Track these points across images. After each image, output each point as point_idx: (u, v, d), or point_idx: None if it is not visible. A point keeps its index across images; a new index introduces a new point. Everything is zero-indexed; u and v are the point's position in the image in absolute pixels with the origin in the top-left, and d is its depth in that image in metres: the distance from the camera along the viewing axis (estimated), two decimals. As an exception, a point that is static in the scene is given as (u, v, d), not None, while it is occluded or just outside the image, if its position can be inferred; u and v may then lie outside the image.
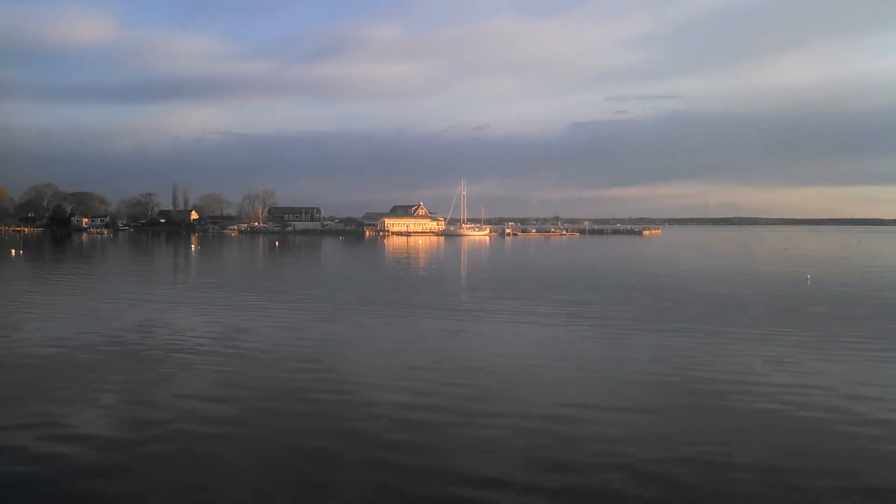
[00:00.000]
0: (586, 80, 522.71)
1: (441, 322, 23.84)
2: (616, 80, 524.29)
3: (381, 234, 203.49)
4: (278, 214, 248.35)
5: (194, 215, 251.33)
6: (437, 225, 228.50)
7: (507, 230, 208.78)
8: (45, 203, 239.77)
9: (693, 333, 21.81)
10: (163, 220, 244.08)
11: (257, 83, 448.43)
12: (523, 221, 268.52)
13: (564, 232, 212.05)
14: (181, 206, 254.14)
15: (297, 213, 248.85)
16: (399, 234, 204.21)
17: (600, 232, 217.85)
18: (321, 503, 8.86)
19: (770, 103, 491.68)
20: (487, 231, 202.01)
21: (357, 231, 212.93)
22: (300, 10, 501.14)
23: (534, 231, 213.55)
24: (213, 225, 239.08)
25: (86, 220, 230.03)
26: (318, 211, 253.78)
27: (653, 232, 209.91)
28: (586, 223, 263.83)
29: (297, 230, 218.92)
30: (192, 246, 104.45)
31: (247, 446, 10.74)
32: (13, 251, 78.92)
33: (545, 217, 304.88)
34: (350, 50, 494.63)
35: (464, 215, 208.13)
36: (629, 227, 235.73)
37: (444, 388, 14.40)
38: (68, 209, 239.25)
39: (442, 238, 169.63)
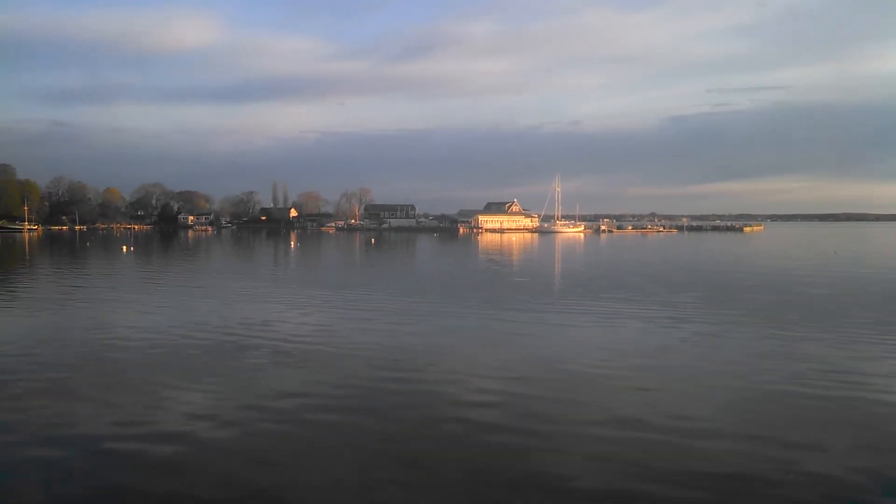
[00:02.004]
0: (685, 72, 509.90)
1: (534, 319, 23.47)
2: (716, 71, 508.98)
3: (474, 230, 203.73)
4: (374, 212, 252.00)
5: (293, 213, 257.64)
6: (531, 222, 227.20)
7: (602, 227, 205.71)
8: (153, 201, 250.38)
9: (824, 337, 20.68)
10: (263, 218, 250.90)
11: (353, 82, 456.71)
12: (619, 218, 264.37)
13: (661, 229, 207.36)
14: (281, 204, 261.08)
15: (392, 210, 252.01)
16: (493, 230, 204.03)
17: (698, 229, 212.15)
18: (416, 499, 8.79)
19: (877, 92, 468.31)
20: (582, 228, 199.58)
21: (451, 228, 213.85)
22: (395, 8, 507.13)
23: (630, 228, 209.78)
24: (312, 222, 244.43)
25: (191, 217, 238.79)
26: (413, 208, 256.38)
27: (754, 229, 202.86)
28: (684, 220, 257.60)
29: (393, 227, 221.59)
30: (292, 243, 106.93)
31: (341, 441, 10.71)
32: (124, 248, 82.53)
33: (641, 213, 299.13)
34: (443, 47, 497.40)
35: (558, 212, 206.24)
36: (729, 224, 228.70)
37: (536, 387, 14.07)
38: (175, 207, 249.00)
39: (536, 235, 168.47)
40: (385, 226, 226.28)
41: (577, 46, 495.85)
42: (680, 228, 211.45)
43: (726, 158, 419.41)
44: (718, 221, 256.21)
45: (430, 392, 13.79)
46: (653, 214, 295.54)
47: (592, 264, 58.12)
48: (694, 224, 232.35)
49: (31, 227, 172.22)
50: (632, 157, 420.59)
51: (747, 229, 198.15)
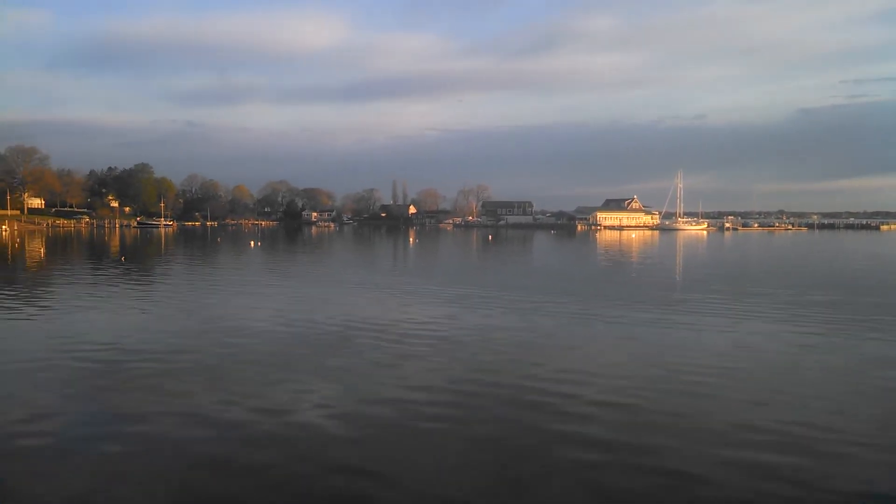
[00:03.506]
0: (817, 62, 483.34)
1: (655, 319, 22.85)
2: (852, 60, 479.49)
3: (592, 228, 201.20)
4: (491, 208, 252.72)
5: (412, 209, 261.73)
6: (652, 219, 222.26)
7: (727, 224, 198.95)
8: (279, 198, 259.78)
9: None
10: (383, 214, 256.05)
11: (473, 79, 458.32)
12: (744, 215, 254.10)
13: (790, 226, 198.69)
14: (400, 201, 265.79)
15: (509, 207, 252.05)
16: (611, 228, 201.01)
17: (830, 226, 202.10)
18: (523, 497, 8.83)
19: None
20: (705, 225, 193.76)
21: (569, 225, 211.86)
22: (516, 4, 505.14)
23: (755, 225, 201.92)
24: (430, 219, 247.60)
25: (315, 214, 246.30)
26: (531, 205, 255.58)
27: (892, 227, 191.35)
28: (815, 217, 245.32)
29: (510, 224, 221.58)
30: (411, 239, 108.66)
31: (454, 434, 10.79)
32: (252, 243, 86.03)
33: (768, 211, 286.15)
34: (564, 42, 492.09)
35: (680, 209, 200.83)
36: (864, 222, 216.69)
37: (652, 391, 13.71)
38: (300, 204, 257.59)
39: (656, 232, 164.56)
40: (502, 222, 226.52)
41: (701, 39, 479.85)
42: (810, 226, 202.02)
43: (861, 152, 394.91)
44: (852, 219, 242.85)
45: (542, 392, 13.67)
46: (781, 212, 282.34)
47: (716, 263, 56.29)
48: (826, 222, 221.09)
49: (167, 222, 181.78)
50: (758, 152, 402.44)
51: (885, 227, 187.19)
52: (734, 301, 28.29)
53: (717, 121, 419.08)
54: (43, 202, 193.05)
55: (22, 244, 79.47)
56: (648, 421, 11.93)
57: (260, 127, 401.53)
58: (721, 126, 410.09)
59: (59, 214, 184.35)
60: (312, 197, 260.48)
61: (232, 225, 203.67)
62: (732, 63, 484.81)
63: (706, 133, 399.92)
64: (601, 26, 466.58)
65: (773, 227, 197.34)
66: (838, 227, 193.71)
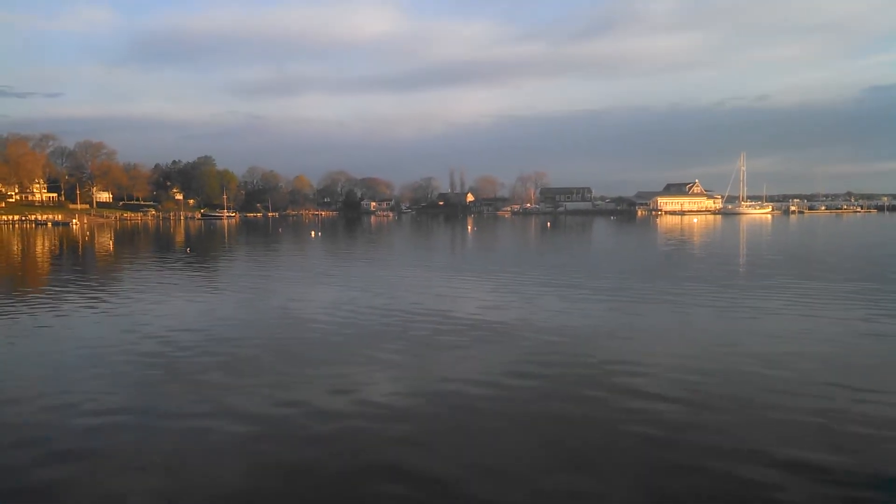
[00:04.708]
0: (888, 38, 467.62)
1: (721, 308, 22.37)
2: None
3: (653, 213, 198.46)
4: (549, 195, 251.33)
5: (470, 197, 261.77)
6: (714, 203, 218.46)
7: (792, 207, 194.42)
8: (338, 188, 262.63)
9: None
10: (441, 203, 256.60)
11: (530, 65, 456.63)
12: (810, 198, 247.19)
13: (858, 209, 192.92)
14: (458, 189, 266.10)
15: (568, 193, 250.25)
16: (672, 213, 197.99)
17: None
18: (587, 487, 8.61)
19: None
20: (769, 209, 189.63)
21: (629, 210, 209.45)
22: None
23: (822, 208, 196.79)
24: (487, 206, 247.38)
25: (373, 203, 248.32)
26: (589, 191, 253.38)
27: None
28: (885, 199, 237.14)
29: (568, 210, 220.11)
30: (469, 227, 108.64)
31: (513, 424, 10.72)
32: (313, 233, 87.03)
33: (835, 193, 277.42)
34: (622, 25, 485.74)
35: (743, 192, 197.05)
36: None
37: (718, 380, 13.33)
38: (358, 194, 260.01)
39: (718, 217, 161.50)
40: (560, 209, 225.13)
41: (763, 18, 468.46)
42: (880, 208, 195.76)
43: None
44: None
45: (606, 380, 13.47)
46: (848, 194, 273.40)
47: (782, 247, 54.91)
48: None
49: (230, 214, 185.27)
50: (825, 132, 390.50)
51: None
52: (803, 286, 27.54)
53: (782, 101, 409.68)
54: (111, 196, 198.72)
55: (92, 237, 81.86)
56: (712, 407, 11.67)
57: (319, 117, 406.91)
58: (785, 106, 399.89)
59: (126, 208, 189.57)
60: (371, 186, 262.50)
61: (292, 216, 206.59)
62: (797, 42, 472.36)
63: (770, 114, 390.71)
64: (660, 7, 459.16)
65: (841, 209, 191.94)
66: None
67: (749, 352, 15.99)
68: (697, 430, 10.75)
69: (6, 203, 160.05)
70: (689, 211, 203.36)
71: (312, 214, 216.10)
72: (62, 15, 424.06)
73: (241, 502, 8.45)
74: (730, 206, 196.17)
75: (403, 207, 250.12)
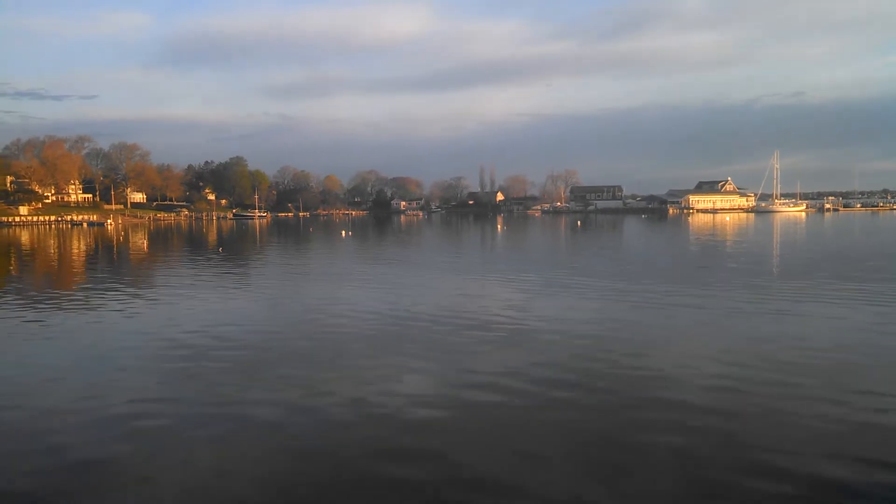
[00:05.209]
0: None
1: (754, 308, 22.18)
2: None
3: (685, 211, 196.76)
4: (580, 194, 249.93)
5: (500, 196, 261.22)
6: (747, 201, 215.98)
7: (827, 205, 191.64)
8: (369, 188, 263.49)
9: None
10: (471, 202, 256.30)
11: (561, 63, 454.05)
12: (845, 195, 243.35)
13: (894, 206, 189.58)
14: (487, 188, 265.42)
15: (598, 191, 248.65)
16: (704, 211, 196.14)
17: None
18: (620, 487, 8.47)
19: None
20: (803, 206, 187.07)
21: (660, 209, 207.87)
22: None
23: (858, 206, 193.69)
24: (518, 205, 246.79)
25: (403, 203, 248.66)
26: (620, 189, 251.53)
27: None
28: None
29: (599, 209, 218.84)
30: (498, 227, 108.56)
31: (547, 426, 10.74)
32: (343, 232, 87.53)
33: (871, 190, 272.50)
34: (655, 22, 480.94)
35: (776, 190, 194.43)
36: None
37: (757, 380, 13.22)
38: (388, 193, 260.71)
39: (751, 215, 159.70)
40: (591, 208, 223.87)
41: (798, 14, 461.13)
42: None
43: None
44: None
45: (643, 382, 13.46)
46: (885, 191, 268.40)
47: (817, 246, 54.21)
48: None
49: (262, 214, 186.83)
50: (862, 129, 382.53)
51: None
52: (839, 286, 27.26)
53: (817, 98, 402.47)
54: (145, 196, 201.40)
55: (126, 237, 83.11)
56: (749, 412, 11.65)
57: (350, 118, 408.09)
58: (821, 103, 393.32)
59: (159, 208, 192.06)
60: (401, 186, 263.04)
61: (323, 215, 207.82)
62: (834, 38, 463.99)
63: (806, 111, 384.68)
64: (693, 5, 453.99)
65: (877, 206, 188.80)
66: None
67: (794, 357, 15.93)
68: (727, 436, 10.79)
69: (43, 204, 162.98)
70: (721, 209, 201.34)
71: (343, 214, 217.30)
72: (98, 19, 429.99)
73: (281, 485, 8.72)
74: (763, 204, 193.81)
75: (433, 206, 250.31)
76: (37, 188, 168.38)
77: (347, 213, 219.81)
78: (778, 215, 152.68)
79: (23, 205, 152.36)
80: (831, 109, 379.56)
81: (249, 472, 9.18)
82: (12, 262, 47.55)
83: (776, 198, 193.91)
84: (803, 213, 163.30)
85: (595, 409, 11.73)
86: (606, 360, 15.04)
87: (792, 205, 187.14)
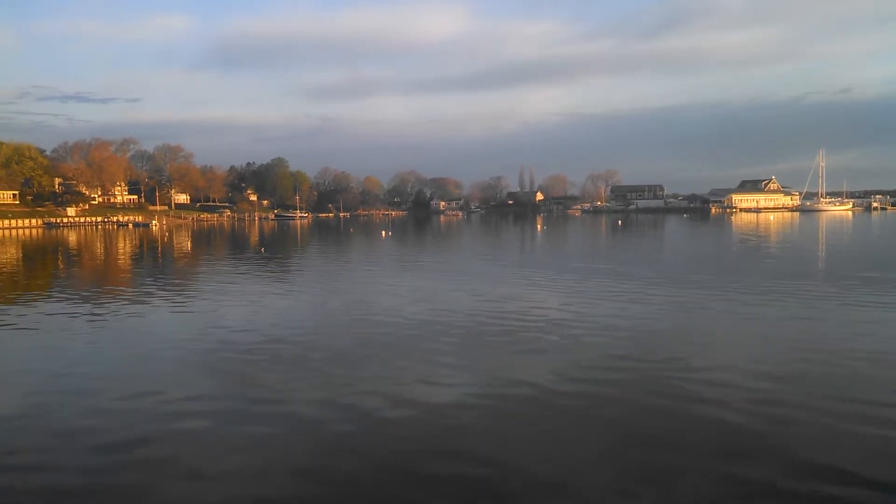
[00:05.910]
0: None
1: (806, 312, 21.75)
2: None
3: (727, 210, 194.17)
4: (620, 193, 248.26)
5: (539, 196, 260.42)
6: (791, 200, 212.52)
7: (874, 204, 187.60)
8: (408, 188, 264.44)
9: None
10: (510, 202, 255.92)
11: (599, 62, 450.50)
12: (893, 194, 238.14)
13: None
14: (527, 188, 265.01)
15: (639, 191, 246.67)
16: (747, 210, 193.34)
17: None
18: (663, 491, 8.35)
19: None
20: (850, 205, 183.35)
21: (702, 208, 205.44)
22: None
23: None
24: (558, 205, 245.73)
25: (442, 203, 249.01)
26: (661, 188, 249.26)
27: None
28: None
29: (640, 208, 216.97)
30: (538, 226, 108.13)
31: (579, 429, 10.68)
32: (383, 233, 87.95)
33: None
34: (694, 19, 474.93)
35: (822, 189, 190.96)
36: None
37: (798, 385, 13.04)
38: (428, 193, 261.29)
39: (796, 214, 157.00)
40: (632, 207, 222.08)
41: (845, 8, 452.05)
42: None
43: None
44: None
45: (682, 387, 13.32)
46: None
47: (866, 246, 53.06)
48: None
49: (303, 214, 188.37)
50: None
51: None
52: (888, 288, 26.70)
53: (865, 94, 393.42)
54: (188, 197, 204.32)
55: (171, 238, 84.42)
56: (793, 416, 11.48)
57: (389, 118, 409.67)
58: (868, 100, 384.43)
59: (203, 209, 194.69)
60: (440, 186, 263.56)
61: (363, 216, 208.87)
62: (883, 32, 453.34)
63: (853, 108, 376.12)
64: (733, 3, 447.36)
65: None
66: None
67: (838, 360, 15.68)
68: (771, 438, 10.64)
69: (90, 205, 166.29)
70: (765, 208, 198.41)
71: (383, 214, 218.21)
72: (142, 22, 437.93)
73: (323, 482, 8.84)
74: (808, 203, 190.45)
75: (472, 206, 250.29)
76: (84, 190, 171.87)
77: (387, 214, 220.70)
78: (824, 214, 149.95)
79: (70, 206, 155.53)
80: (879, 106, 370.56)
81: (290, 468, 9.30)
82: (61, 261, 48.62)
83: (822, 196, 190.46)
84: (850, 212, 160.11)
85: (637, 410, 11.64)
86: (651, 360, 14.91)
87: (838, 203, 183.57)
